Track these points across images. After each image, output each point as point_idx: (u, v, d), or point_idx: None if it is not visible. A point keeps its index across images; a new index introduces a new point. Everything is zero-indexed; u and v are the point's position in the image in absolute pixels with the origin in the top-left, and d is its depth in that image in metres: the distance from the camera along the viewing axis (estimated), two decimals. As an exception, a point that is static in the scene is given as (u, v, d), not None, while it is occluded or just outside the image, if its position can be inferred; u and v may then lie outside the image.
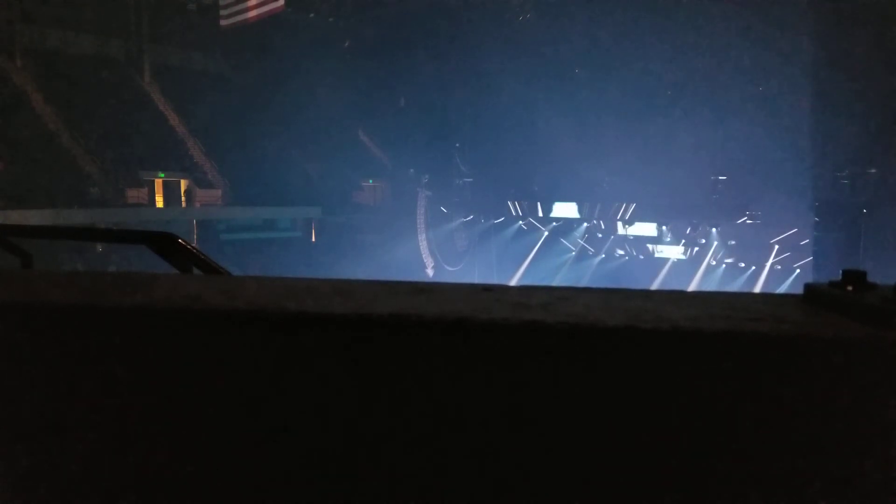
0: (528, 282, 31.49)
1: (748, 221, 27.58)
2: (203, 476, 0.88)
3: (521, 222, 34.89)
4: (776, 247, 26.91)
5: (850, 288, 0.82)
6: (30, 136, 28.31)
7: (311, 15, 36.76)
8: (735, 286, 27.53)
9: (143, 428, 0.88)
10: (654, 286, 26.84)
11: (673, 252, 30.92)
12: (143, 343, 0.88)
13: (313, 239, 36.04)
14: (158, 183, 32.53)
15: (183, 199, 33.19)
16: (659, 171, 26.34)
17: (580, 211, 32.98)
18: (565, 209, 33.54)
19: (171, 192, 32.90)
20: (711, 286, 28.01)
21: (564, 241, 33.85)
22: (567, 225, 33.64)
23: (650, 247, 31.67)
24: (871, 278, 0.83)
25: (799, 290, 0.89)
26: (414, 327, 0.80)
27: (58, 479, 0.91)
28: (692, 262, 29.93)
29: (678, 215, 29.68)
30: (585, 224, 33.02)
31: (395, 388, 0.81)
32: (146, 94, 34.85)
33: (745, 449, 0.74)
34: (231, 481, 0.87)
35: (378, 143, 40.38)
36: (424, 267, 35.28)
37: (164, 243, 1.76)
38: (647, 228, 31.33)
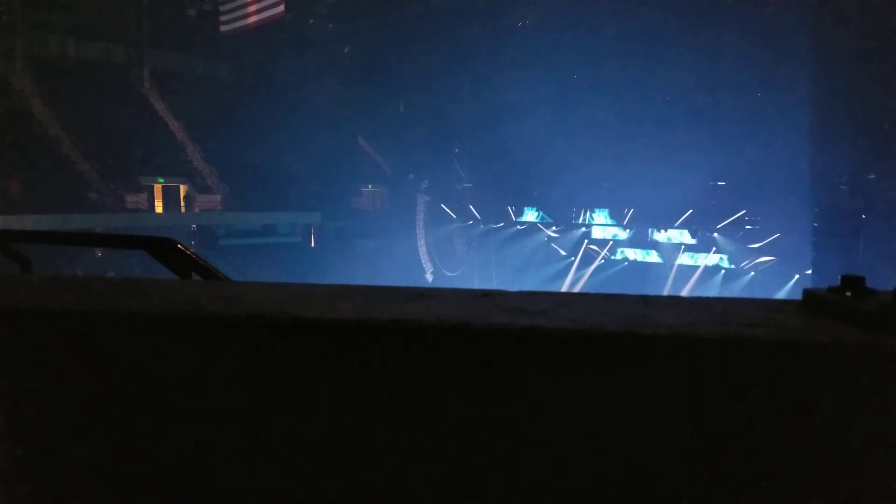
0: (528, 287, 31.44)
1: (748, 227, 27.58)
2: (201, 479, 0.88)
3: (520, 227, 34.95)
4: (769, 251, 26.85)
5: (848, 294, 0.82)
6: (30, 141, 28.35)
7: (311, 21, 36.85)
8: (732, 290, 27.53)
9: (143, 431, 0.88)
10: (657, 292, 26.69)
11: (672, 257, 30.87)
12: (143, 348, 0.88)
13: (312, 244, 36.06)
14: (158, 188, 32.56)
15: (182, 204, 33.20)
16: (657, 176, 26.38)
17: (581, 215, 33.06)
18: (565, 214, 33.63)
19: (170, 197, 32.93)
20: (708, 291, 27.99)
21: (565, 245, 33.86)
22: (567, 229, 33.70)
23: (649, 251, 31.63)
24: (869, 283, 0.83)
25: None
26: (413, 332, 0.80)
27: (57, 481, 0.91)
28: (692, 266, 29.88)
29: (676, 220, 29.69)
30: (584, 229, 33.08)
31: (394, 393, 0.81)
32: (146, 99, 34.92)
33: (744, 453, 0.73)
34: (230, 484, 0.87)
35: (377, 148, 40.44)
36: (424, 272, 35.28)
37: (163, 248, 1.76)
38: (645, 233, 31.33)
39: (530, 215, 34.65)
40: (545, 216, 34.08)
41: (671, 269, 30.12)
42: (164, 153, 33.18)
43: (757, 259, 27.34)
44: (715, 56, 25.60)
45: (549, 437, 0.78)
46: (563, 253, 33.79)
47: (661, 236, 30.76)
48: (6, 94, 29.51)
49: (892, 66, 21.24)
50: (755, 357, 0.73)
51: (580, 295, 0.94)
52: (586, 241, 32.99)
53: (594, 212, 32.58)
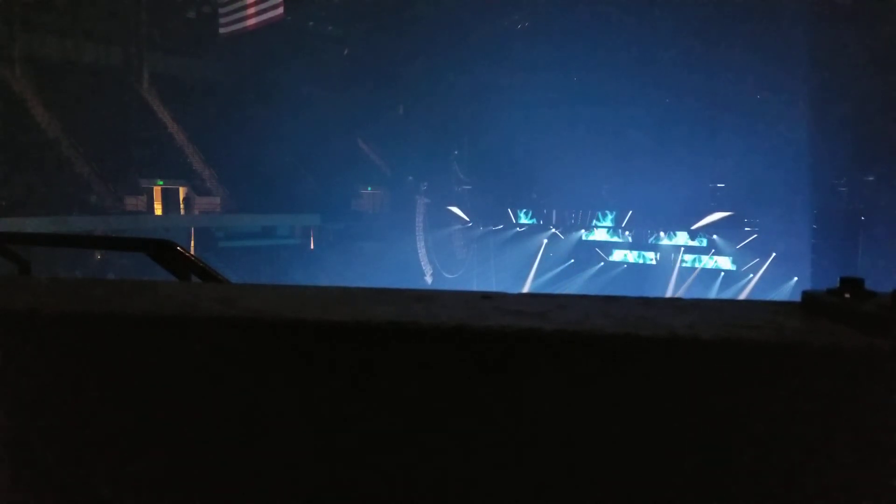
0: (527, 289, 31.50)
1: (746, 229, 27.59)
2: (199, 480, 0.88)
3: (519, 229, 34.96)
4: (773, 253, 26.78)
5: (847, 296, 0.82)
6: (29, 143, 28.35)
7: (311, 23, 36.88)
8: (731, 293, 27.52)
9: (142, 433, 0.88)
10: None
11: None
12: (142, 350, 0.88)
13: (312, 246, 36.04)
14: (157, 190, 32.53)
15: (182, 206, 33.17)
16: (656, 178, 26.42)
17: (580, 218, 33.07)
18: (564, 216, 33.63)
19: (169, 199, 32.88)
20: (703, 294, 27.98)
21: (564, 248, 33.85)
22: (566, 231, 33.71)
23: (648, 254, 31.63)
24: (869, 285, 0.83)
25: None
26: (412, 335, 0.80)
27: (56, 482, 0.91)
28: (691, 269, 29.87)
29: (676, 223, 29.70)
30: (583, 231, 33.08)
31: (393, 395, 0.81)
32: (145, 101, 34.91)
33: (744, 455, 0.73)
34: (227, 485, 0.87)
35: (377, 150, 40.45)
36: (423, 274, 35.26)
37: (162, 251, 1.76)
38: (644, 235, 31.31)
39: (526, 219, 34.74)
40: (542, 218, 34.13)
41: (670, 272, 30.11)
42: (163, 155, 33.17)
43: (756, 261, 27.34)
44: (714, 59, 25.64)
45: (548, 439, 0.77)
46: (560, 256, 33.80)
47: (659, 239, 30.77)
48: (5, 95, 29.51)
49: (891, 68, 21.28)
50: (755, 359, 0.73)
51: (580, 297, 0.94)
52: (586, 243, 32.99)
53: (594, 214, 32.58)
